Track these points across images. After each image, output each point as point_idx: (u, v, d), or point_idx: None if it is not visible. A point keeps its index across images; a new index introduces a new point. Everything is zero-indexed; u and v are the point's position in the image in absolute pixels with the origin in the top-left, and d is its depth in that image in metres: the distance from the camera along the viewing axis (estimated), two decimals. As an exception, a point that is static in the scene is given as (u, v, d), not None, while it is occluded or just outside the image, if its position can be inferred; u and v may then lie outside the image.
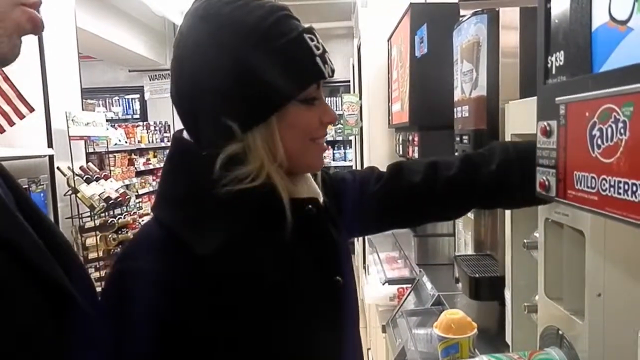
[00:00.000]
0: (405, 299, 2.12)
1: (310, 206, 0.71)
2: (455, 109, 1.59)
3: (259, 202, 0.65)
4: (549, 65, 0.57)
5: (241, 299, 0.64)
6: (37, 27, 0.52)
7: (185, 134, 0.71)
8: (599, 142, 0.45)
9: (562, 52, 0.54)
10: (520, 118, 1.14)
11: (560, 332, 0.87)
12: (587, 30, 0.48)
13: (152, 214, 0.70)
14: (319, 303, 0.72)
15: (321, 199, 0.74)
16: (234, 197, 0.63)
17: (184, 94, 0.68)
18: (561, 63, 0.54)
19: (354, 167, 4.90)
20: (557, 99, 0.53)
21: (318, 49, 0.67)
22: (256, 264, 0.66)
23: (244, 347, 0.65)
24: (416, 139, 2.23)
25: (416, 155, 2.24)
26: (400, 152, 2.77)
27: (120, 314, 0.61)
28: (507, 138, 1.25)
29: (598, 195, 0.46)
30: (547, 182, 0.59)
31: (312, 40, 0.67)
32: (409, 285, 2.19)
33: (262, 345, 0.66)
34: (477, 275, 1.46)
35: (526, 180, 0.68)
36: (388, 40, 2.84)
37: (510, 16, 1.33)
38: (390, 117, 2.90)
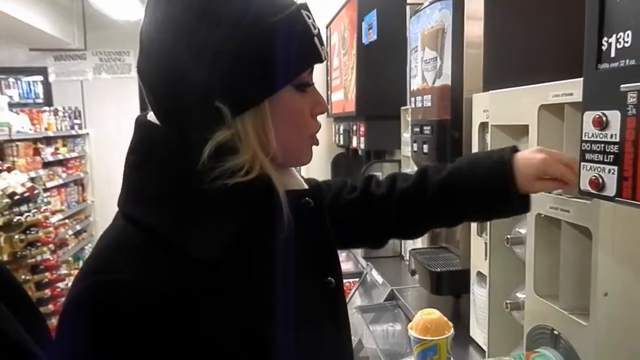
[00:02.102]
0: (353, 293, 2.07)
1: (307, 198, 0.65)
2: (413, 98, 1.53)
3: (255, 197, 0.59)
4: (604, 48, 0.50)
5: (241, 301, 0.58)
6: None
7: (151, 118, 0.61)
8: None
9: (628, 32, 0.47)
10: (495, 108, 1.10)
11: (555, 332, 0.84)
12: (682, 5, 0.41)
13: (121, 213, 0.59)
14: (313, 304, 0.66)
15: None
16: (229, 192, 0.56)
17: (164, 72, 0.58)
18: (627, 45, 0.47)
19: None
20: (623, 85, 0.46)
21: (315, 27, 0.61)
22: (257, 263, 0.60)
23: (238, 351, 0.58)
24: (362, 128, 2.16)
25: (362, 146, 2.18)
26: (341, 142, 2.71)
27: (98, 341, 0.50)
28: (474, 129, 1.21)
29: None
30: (600, 180, 0.52)
31: (309, 17, 0.61)
32: (356, 280, 2.14)
33: (255, 349, 0.59)
34: (439, 269, 1.42)
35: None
36: (327, 27, 2.75)
37: (474, 3, 1.29)
38: (329, 107, 2.82)
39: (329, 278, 0.68)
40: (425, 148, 1.44)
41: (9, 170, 2.54)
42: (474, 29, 1.30)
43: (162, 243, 0.54)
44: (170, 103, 0.58)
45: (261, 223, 0.59)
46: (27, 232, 2.58)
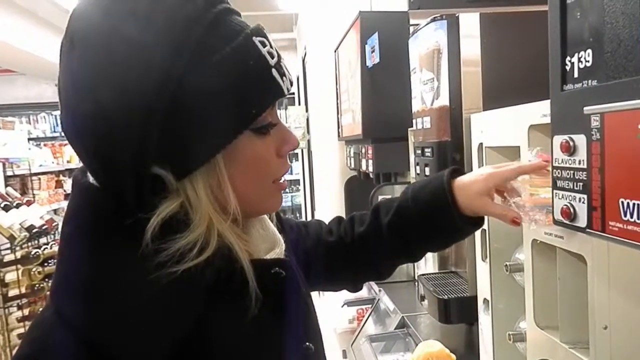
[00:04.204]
0: (366, 320, 2.01)
1: (277, 268, 0.56)
2: (414, 120, 1.50)
3: (212, 277, 0.49)
4: (568, 68, 0.47)
5: None
6: None
7: (90, 177, 0.51)
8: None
9: (589, 51, 0.44)
10: (489, 129, 1.06)
11: (558, 368, 0.78)
12: (635, 23, 0.37)
13: (52, 305, 0.48)
14: None
15: (283, 248, 0.61)
16: (178, 281, 0.46)
17: (85, 132, 0.48)
18: (588, 64, 0.44)
19: (301, 181, 4.77)
20: (586, 108, 0.43)
21: (272, 56, 0.51)
22: (217, 354, 0.51)
23: None
24: (370, 151, 2.14)
25: (370, 168, 2.15)
26: (352, 165, 2.68)
27: None
28: (474, 150, 1.17)
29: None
30: (572, 210, 0.48)
31: (264, 45, 0.50)
32: (369, 306, 2.08)
33: None
34: (446, 296, 1.37)
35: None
36: (335, 51, 2.76)
37: (470, 22, 1.26)
38: (340, 130, 2.81)
39: (308, 344, 0.61)
40: (427, 171, 1.40)
41: (28, 204, 2.61)
42: (471, 47, 1.27)
43: (91, 347, 0.45)
44: (99, 171, 0.49)
45: (220, 310, 0.50)
46: (45, 264, 2.63)
